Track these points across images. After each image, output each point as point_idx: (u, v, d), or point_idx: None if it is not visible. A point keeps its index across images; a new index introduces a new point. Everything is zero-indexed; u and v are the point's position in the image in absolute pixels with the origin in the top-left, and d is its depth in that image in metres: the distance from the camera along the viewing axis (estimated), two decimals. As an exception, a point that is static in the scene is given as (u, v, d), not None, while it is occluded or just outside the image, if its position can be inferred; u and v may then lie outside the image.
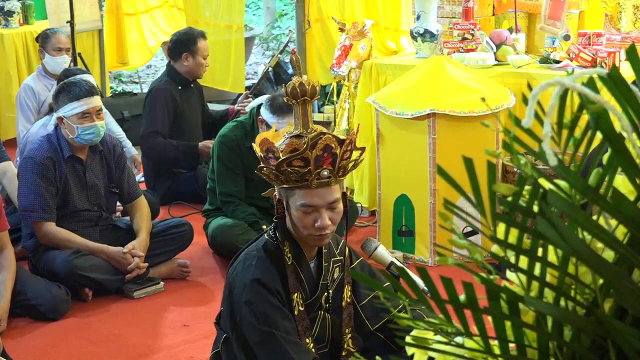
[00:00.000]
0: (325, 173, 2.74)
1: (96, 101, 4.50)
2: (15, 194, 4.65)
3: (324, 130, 2.80)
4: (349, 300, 2.96)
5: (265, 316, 2.78)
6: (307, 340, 2.86)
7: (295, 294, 2.83)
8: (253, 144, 2.87)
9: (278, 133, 2.91)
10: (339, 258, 3.01)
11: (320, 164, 2.73)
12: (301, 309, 2.85)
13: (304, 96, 2.79)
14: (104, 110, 4.89)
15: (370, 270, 3.01)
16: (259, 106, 4.83)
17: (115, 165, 4.71)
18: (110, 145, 4.71)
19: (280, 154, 2.70)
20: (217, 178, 4.94)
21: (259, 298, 2.79)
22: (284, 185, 2.77)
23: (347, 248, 3.01)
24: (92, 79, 5.05)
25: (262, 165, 2.76)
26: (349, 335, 2.96)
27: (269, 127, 4.60)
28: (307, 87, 2.79)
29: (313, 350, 2.86)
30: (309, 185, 2.74)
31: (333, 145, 2.73)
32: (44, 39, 6.28)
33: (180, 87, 6.05)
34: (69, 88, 4.46)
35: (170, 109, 5.96)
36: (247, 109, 6.05)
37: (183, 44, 6.01)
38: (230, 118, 6.07)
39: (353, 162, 2.81)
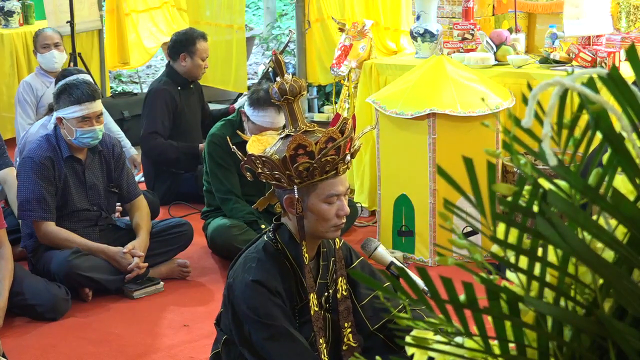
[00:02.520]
0: (349, 158, 2.81)
1: (97, 106, 4.50)
2: (15, 200, 4.64)
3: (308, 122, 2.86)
4: (345, 293, 2.95)
5: (269, 314, 2.78)
6: (321, 341, 2.86)
7: (312, 295, 2.84)
8: (246, 146, 2.87)
9: (264, 135, 2.93)
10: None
11: (345, 150, 2.77)
12: (316, 309, 2.85)
13: (301, 92, 2.82)
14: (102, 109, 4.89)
15: (371, 270, 3.01)
16: None
17: (114, 165, 4.71)
18: (109, 145, 4.71)
19: (314, 147, 2.70)
20: (211, 177, 4.96)
21: (261, 297, 2.79)
22: (310, 182, 2.76)
23: (339, 241, 3.00)
24: (91, 79, 5.05)
25: (301, 162, 2.72)
26: (349, 330, 2.95)
27: (249, 119, 4.67)
28: (302, 83, 2.85)
29: (325, 351, 2.87)
30: (337, 173, 2.78)
31: (350, 128, 2.78)
32: (34, 39, 6.41)
33: (179, 88, 6.05)
34: (70, 90, 4.46)
35: (170, 109, 5.96)
36: (236, 106, 6.07)
37: (182, 45, 6.01)
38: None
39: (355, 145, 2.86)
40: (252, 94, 4.73)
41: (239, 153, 2.88)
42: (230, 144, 3.00)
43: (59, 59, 6.28)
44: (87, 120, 4.45)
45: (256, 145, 2.88)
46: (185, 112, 6.08)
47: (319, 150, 2.72)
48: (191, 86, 6.15)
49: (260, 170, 2.80)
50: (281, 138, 2.84)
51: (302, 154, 2.72)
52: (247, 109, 4.72)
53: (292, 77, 2.85)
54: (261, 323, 2.78)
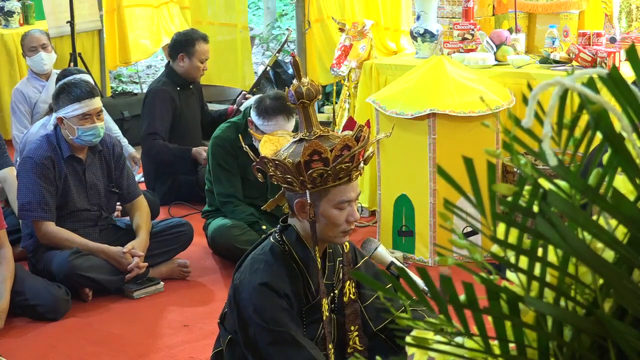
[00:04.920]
0: (362, 165, 2.82)
1: (97, 103, 4.51)
2: (15, 200, 4.64)
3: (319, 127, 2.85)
4: (352, 296, 2.94)
5: (275, 320, 2.78)
6: (330, 346, 2.86)
7: (324, 300, 2.84)
8: (247, 144, 2.86)
9: (275, 135, 2.92)
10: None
11: (359, 157, 2.78)
12: (327, 313, 2.85)
13: (317, 96, 2.82)
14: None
15: (375, 271, 3.00)
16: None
17: (114, 165, 4.71)
18: (109, 145, 4.71)
19: (329, 154, 2.70)
20: (214, 179, 4.96)
21: (268, 301, 2.79)
22: (322, 187, 2.76)
23: (348, 245, 3.00)
24: (91, 78, 5.05)
25: (315, 168, 2.72)
26: (355, 333, 2.94)
27: (257, 128, 4.64)
28: (318, 87, 2.85)
29: (332, 355, 2.86)
30: (350, 179, 2.78)
31: (367, 136, 2.77)
32: (21, 43, 6.38)
33: (178, 88, 6.04)
34: (69, 89, 4.46)
35: (169, 110, 5.95)
36: (242, 108, 6.06)
37: (181, 45, 6.00)
38: (230, 117, 6.06)
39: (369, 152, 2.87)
40: (259, 103, 4.67)
41: (252, 153, 2.87)
42: (244, 144, 3.00)
43: (47, 60, 6.26)
44: (88, 118, 4.45)
45: (268, 146, 2.87)
46: (185, 113, 6.07)
47: (334, 158, 2.71)
48: (190, 87, 6.15)
49: (272, 173, 2.79)
50: (295, 141, 2.82)
51: (316, 160, 2.71)
52: (255, 119, 4.66)
53: (309, 80, 2.85)
54: (266, 328, 2.78)
